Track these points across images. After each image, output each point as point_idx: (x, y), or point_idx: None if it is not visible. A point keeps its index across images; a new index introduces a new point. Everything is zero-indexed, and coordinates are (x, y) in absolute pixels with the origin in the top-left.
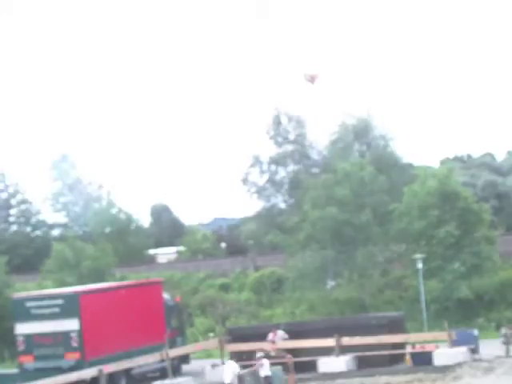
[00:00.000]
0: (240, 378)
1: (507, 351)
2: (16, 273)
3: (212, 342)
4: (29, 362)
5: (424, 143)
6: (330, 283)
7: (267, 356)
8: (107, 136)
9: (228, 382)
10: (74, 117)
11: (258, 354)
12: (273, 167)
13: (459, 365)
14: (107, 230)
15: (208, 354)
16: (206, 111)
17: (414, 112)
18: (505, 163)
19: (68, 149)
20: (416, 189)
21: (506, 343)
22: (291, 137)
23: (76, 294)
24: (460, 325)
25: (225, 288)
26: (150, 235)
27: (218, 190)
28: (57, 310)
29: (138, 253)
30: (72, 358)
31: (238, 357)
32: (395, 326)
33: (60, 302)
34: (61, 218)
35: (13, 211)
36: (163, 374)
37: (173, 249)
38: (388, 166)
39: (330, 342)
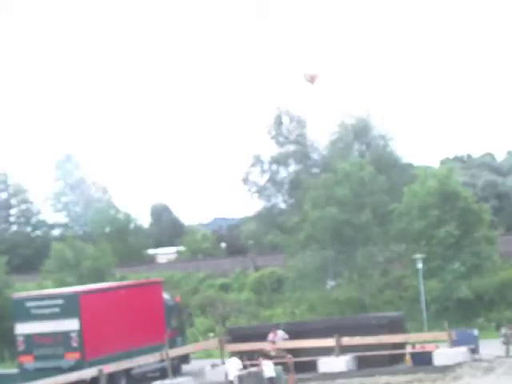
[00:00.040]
0: (240, 378)
1: (507, 351)
2: (16, 273)
3: (212, 342)
4: (29, 362)
5: (424, 143)
6: (330, 283)
7: (268, 356)
8: (107, 136)
9: (232, 378)
10: (74, 117)
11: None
12: (274, 167)
13: (459, 365)
14: (107, 230)
15: (208, 354)
16: (207, 111)
17: (414, 112)
18: (505, 163)
19: (71, 149)
20: (416, 189)
21: (506, 343)
22: (292, 137)
23: (76, 294)
24: (460, 325)
25: (225, 288)
26: (150, 235)
27: (218, 189)
28: (57, 309)
29: (138, 253)
30: (72, 357)
31: (237, 357)
32: (395, 326)
33: (60, 301)
34: (61, 218)
35: (13, 211)
36: (163, 374)
37: (173, 249)
38: (388, 166)
39: (329, 342)
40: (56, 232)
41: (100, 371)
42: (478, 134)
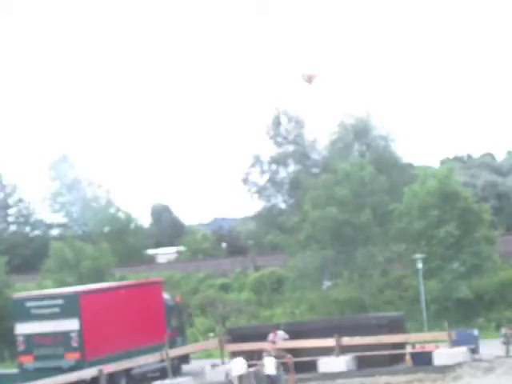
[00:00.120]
0: (240, 379)
1: (507, 351)
2: (16, 273)
3: (212, 342)
4: (29, 362)
5: (424, 143)
6: (326, 283)
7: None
8: (107, 136)
9: (236, 374)
10: (74, 117)
11: (264, 354)
12: (273, 167)
13: (459, 365)
14: (106, 229)
15: (208, 354)
16: (206, 111)
17: (414, 112)
18: (505, 163)
19: (68, 149)
20: (416, 189)
21: (506, 343)
22: (291, 137)
23: (76, 294)
24: (460, 325)
25: (225, 288)
26: (150, 235)
27: (218, 189)
28: (57, 309)
29: (138, 253)
30: (72, 357)
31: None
32: (395, 326)
33: (60, 302)
34: (59, 218)
35: (11, 211)
36: (163, 374)
37: (173, 249)
38: (388, 166)
39: (330, 342)
40: (55, 232)
41: (100, 371)
42: (478, 134)
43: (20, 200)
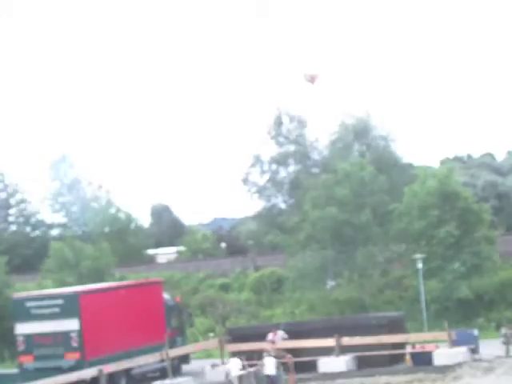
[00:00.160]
0: (240, 379)
1: (507, 351)
2: (16, 273)
3: (212, 342)
4: (29, 362)
5: (424, 143)
6: (330, 283)
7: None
8: (107, 136)
9: (235, 374)
10: (74, 117)
11: (264, 354)
12: (273, 167)
13: (459, 365)
14: (107, 229)
15: (208, 354)
16: (207, 111)
17: (414, 112)
18: (505, 163)
19: (68, 149)
20: (416, 189)
21: (506, 343)
22: (292, 137)
23: (76, 294)
24: (460, 325)
25: (225, 288)
26: (150, 235)
27: (218, 189)
28: (57, 309)
29: (138, 253)
30: (72, 357)
31: (237, 357)
32: (395, 326)
33: (60, 302)
34: (60, 218)
35: (12, 211)
36: (163, 374)
37: (173, 249)
38: (388, 166)
39: (330, 342)
40: (55, 232)
41: (100, 371)
42: (478, 134)
43: (21, 200)
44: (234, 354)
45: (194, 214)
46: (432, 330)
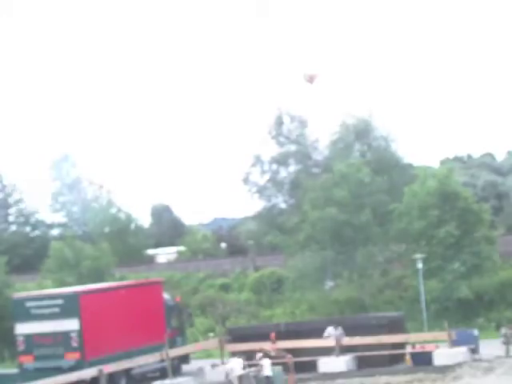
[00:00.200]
0: (240, 379)
1: (507, 351)
2: (16, 273)
3: (212, 342)
4: (29, 362)
5: (424, 143)
6: (329, 283)
7: (268, 356)
8: (108, 136)
9: (237, 373)
10: (75, 117)
11: (258, 355)
12: (274, 167)
13: (459, 365)
14: (107, 229)
15: (208, 354)
16: (208, 111)
17: (414, 112)
18: (505, 163)
19: (69, 149)
20: (416, 189)
21: (506, 343)
22: (293, 137)
23: (76, 294)
24: (460, 325)
25: (225, 288)
26: (150, 235)
27: (219, 189)
28: (57, 309)
29: (138, 253)
30: (72, 357)
31: (238, 357)
32: (395, 326)
33: (60, 301)
34: (60, 217)
35: (12, 211)
36: (163, 374)
37: (173, 249)
38: (388, 167)
39: (330, 342)
40: (55, 232)
41: (100, 371)
42: (478, 134)
43: (20, 200)
44: (234, 354)
45: (194, 214)
46: (432, 329)
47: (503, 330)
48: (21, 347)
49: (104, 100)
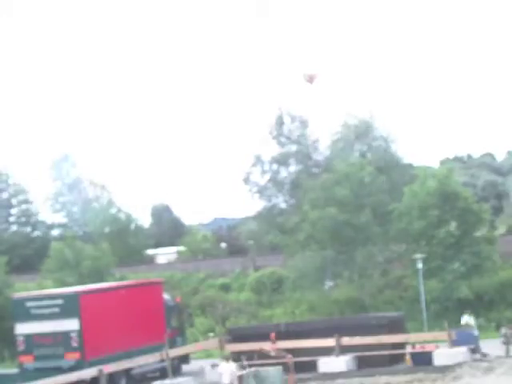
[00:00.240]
0: (240, 378)
1: (507, 351)
2: (16, 273)
3: (212, 342)
4: (29, 362)
5: (424, 143)
6: (328, 283)
7: (268, 356)
8: (108, 136)
9: (227, 382)
10: (75, 117)
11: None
12: (274, 167)
13: (459, 365)
14: (107, 230)
15: (208, 354)
16: (208, 111)
17: (415, 112)
18: (505, 163)
19: (69, 149)
20: (416, 189)
21: (506, 343)
22: (294, 137)
23: (76, 294)
24: (460, 325)
25: (225, 288)
26: (150, 235)
27: (219, 189)
28: (57, 310)
29: (138, 253)
30: (72, 358)
31: (237, 357)
32: (395, 326)
33: (60, 302)
34: (60, 218)
35: (13, 211)
36: (163, 374)
37: (173, 249)
38: (389, 167)
39: (330, 341)
40: (55, 232)
41: (100, 371)
42: (478, 134)
43: (24, 201)
44: (228, 358)
45: (194, 214)
46: (432, 330)
47: (503, 330)
48: (21, 347)
49: (104, 100)
